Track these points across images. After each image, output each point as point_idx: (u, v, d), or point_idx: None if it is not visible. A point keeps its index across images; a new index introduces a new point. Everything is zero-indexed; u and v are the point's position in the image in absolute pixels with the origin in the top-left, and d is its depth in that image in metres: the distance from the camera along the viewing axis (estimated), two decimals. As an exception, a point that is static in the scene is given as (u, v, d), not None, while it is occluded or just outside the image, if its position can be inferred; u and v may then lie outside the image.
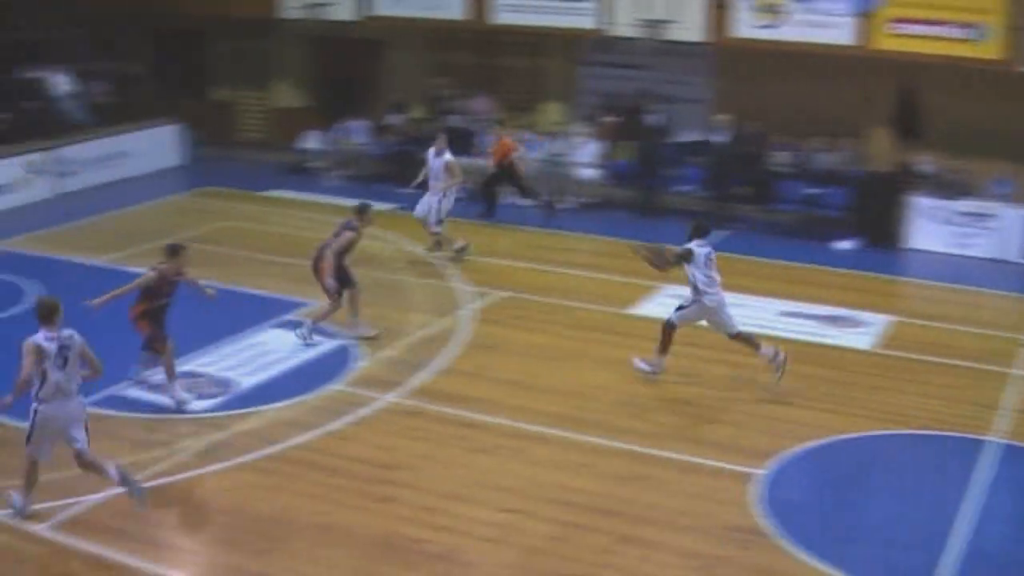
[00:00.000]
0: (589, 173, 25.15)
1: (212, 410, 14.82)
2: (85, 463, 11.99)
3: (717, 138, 24.39)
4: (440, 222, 21.61)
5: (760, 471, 13.33)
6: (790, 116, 23.92)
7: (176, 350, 15.14)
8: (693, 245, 15.56)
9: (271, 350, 16.67)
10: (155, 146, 28.67)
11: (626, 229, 23.05)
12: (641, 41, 24.76)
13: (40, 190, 25.68)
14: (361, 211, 17.47)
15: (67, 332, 11.82)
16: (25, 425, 11.89)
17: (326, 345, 16.93)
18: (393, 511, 12.37)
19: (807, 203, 23.64)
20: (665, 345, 15.88)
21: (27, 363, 11.56)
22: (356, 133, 27.76)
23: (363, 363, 16.33)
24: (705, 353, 16.65)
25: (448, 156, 21.59)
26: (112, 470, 11.87)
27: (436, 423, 14.54)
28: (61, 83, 27.89)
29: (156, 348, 14.92)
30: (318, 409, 14.84)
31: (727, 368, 16.31)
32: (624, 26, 24.80)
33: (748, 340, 15.85)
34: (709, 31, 24.20)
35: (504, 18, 26.01)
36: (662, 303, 18.33)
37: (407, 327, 17.73)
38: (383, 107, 28.16)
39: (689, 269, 15.55)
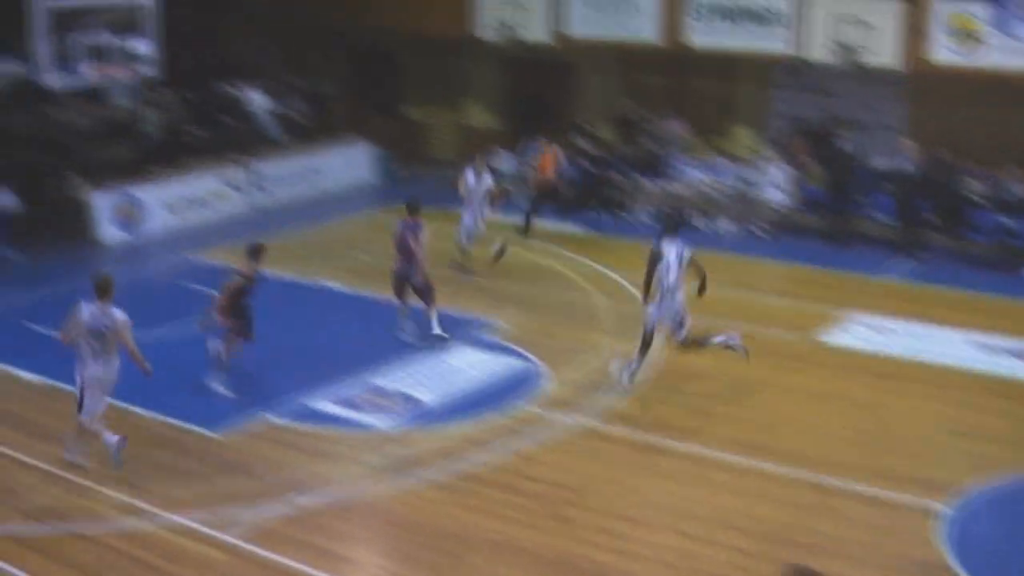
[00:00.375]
0: (778, 198, 25.02)
1: (397, 426, 15.17)
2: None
3: (907, 165, 24.04)
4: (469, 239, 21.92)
5: (945, 506, 13.14)
6: (984, 144, 23.45)
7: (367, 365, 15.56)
8: (663, 245, 15.86)
9: (459, 368, 16.97)
10: (348, 163, 29.38)
11: (815, 255, 22.92)
12: (834, 66, 24.57)
13: (236, 205, 26.59)
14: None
15: (114, 312, 13.53)
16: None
17: (514, 364, 17.17)
18: (572, 532, 12.53)
19: (1001, 233, 23.14)
20: (645, 348, 16.19)
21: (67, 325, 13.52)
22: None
23: (549, 384, 16.52)
24: (889, 384, 16.49)
25: (489, 180, 21.83)
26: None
27: (619, 446, 14.66)
28: (257, 100, 28.79)
29: (242, 335, 16.03)
30: (502, 428, 15.08)
31: (912, 400, 16.12)
32: (817, 50, 24.62)
33: (699, 342, 16.24)
34: (903, 57, 23.89)
35: (697, 40, 26.05)
36: (852, 331, 18.18)
37: (594, 349, 17.87)
38: (573, 128, 28.36)
39: (659, 270, 15.79)
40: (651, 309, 15.94)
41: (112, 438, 13.49)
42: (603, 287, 21.01)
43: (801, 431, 15.14)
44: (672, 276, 15.80)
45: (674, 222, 16.62)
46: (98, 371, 13.54)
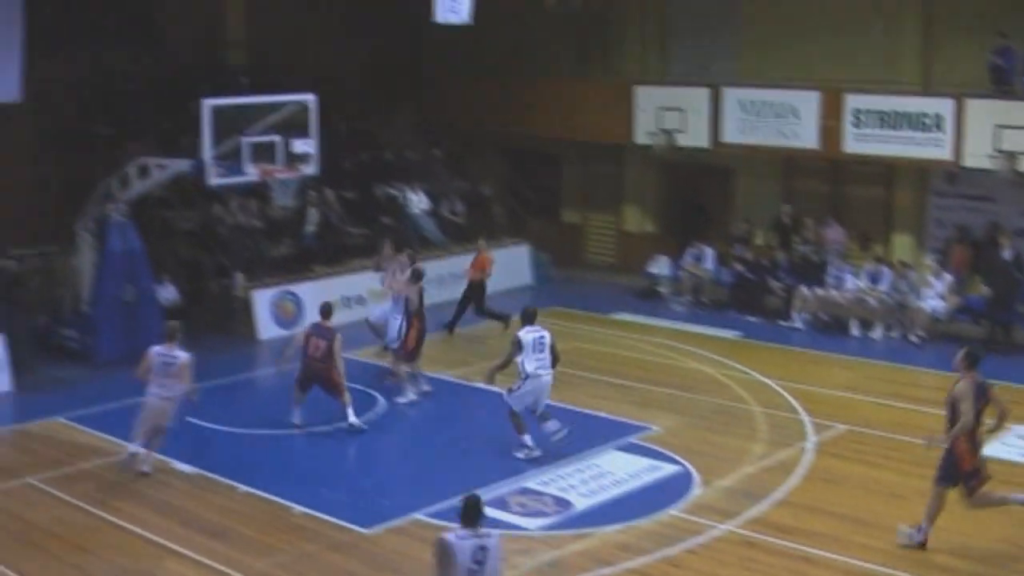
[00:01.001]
0: (936, 306, 24.61)
1: (547, 528, 15.16)
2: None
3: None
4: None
5: None
6: None
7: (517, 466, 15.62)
8: (521, 333, 17.41)
9: (610, 472, 16.91)
10: (506, 265, 29.55)
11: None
12: (995, 173, 24.21)
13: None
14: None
15: (177, 353, 16.53)
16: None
17: (665, 470, 17.08)
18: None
19: None
20: (520, 429, 17.41)
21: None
22: (704, 259, 27.95)
23: (700, 490, 16.40)
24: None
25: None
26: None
27: (771, 555, 14.45)
28: (417, 200, 29.27)
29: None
30: (653, 534, 14.98)
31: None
32: (977, 157, 24.30)
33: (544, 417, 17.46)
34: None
35: (855, 147, 25.92)
36: (1008, 443, 17.75)
37: (746, 456, 17.70)
38: (731, 233, 28.35)
39: (519, 357, 17.14)
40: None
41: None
42: (757, 394, 20.83)
43: (956, 546, 14.74)
44: (532, 361, 17.34)
45: (530, 312, 18.04)
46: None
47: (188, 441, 17.98)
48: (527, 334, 17.46)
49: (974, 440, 14.23)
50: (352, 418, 18.77)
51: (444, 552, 10.21)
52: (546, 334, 17.63)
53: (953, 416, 14.17)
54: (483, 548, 10.32)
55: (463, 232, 29.82)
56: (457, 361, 22.85)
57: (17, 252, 23.88)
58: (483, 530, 10.47)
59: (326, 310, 19.05)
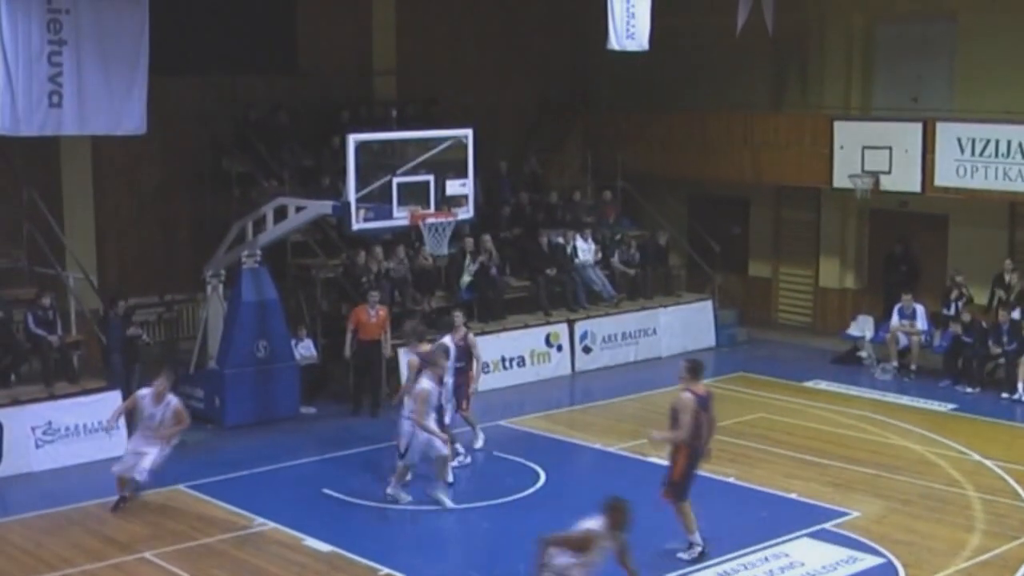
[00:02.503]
0: None
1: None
2: None
3: None
4: None
5: None
6: None
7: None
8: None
9: (801, 563, 16.54)
10: (687, 323, 29.46)
11: None
12: None
13: (558, 365, 26.89)
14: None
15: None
16: None
17: (865, 562, 16.68)
18: None
19: None
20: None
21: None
22: (915, 320, 27.32)
23: (908, 586, 15.98)
24: None
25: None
26: None
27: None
28: (585, 249, 29.21)
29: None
30: (850, 636, 14.62)
31: None
32: None
33: None
34: None
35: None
36: None
37: (960, 549, 17.21)
38: (945, 292, 27.72)
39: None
40: None
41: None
42: (974, 477, 20.30)
43: None
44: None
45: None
46: None
47: (324, 515, 18.04)
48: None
49: (694, 454, 16.27)
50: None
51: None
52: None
53: (673, 427, 16.26)
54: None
55: (637, 285, 29.72)
56: (627, 432, 22.66)
57: (138, 302, 24.27)
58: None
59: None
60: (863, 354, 28.03)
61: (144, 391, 18.57)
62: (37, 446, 20.76)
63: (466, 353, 20.96)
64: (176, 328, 27.15)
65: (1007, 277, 26.93)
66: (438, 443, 18.27)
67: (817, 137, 29.07)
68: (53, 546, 17.32)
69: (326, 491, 19.01)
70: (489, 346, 25.77)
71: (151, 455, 18.23)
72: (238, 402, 22.89)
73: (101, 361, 22.74)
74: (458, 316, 21.73)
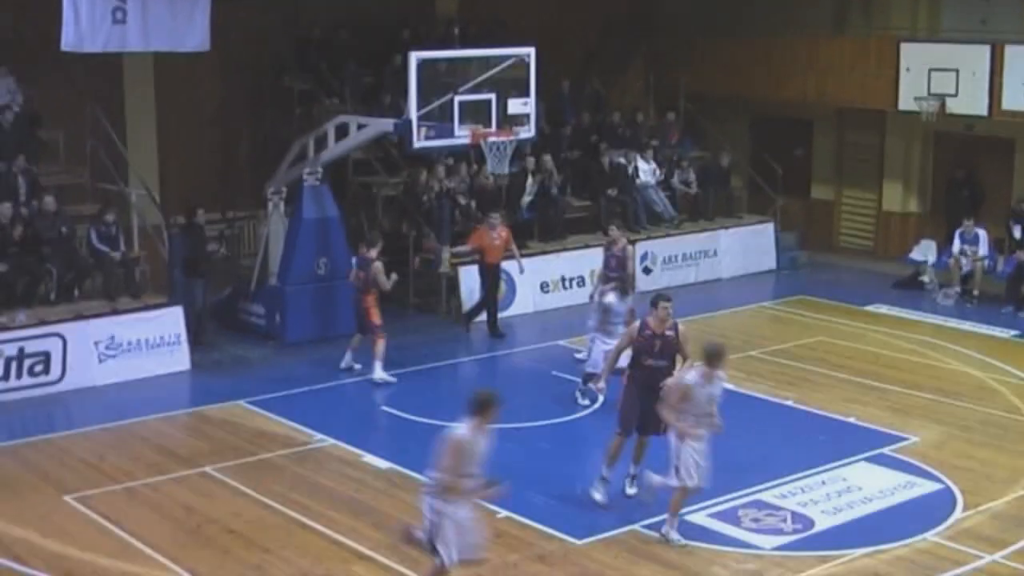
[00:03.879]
0: None
1: (783, 548, 14.92)
2: None
3: None
4: None
5: None
6: None
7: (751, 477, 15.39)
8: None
9: (858, 487, 16.54)
10: (747, 246, 29.39)
11: None
12: None
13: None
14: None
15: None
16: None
17: (923, 488, 16.66)
18: None
19: None
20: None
21: None
22: (978, 244, 27.12)
23: (964, 514, 15.94)
24: None
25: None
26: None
27: (1045, 593, 13.99)
28: (647, 170, 29.13)
29: None
30: (905, 562, 14.60)
31: None
32: None
33: None
34: None
35: None
36: None
37: (1020, 476, 17.15)
38: (1012, 216, 27.49)
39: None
40: None
41: None
42: (1034, 401, 20.29)
43: None
44: None
45: None
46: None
47: (384, 433, 18.18)
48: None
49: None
50: (379, 372, 20.20)
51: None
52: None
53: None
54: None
55: (698, 207, 29.67)
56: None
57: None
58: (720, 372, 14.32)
59: (372, 239, 21.18)
60: (925, 279, 27.90)
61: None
62: (100, 360, 21.00)
63: (621, 264, 21.24)
64: (238, 245, 27.28)
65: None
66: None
67: (882, 59, 28.79)
68: (115, 459, 17.58)
69: (385, 408, 19.14)
70: (549, 266, 25.88)
71: None
72: (299, 319, 23.04)
73: (164, 276, 22.90)
74: (614, 229, 22.26)
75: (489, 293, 24.24)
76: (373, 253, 20.96)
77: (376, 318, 20.79)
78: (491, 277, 24.15)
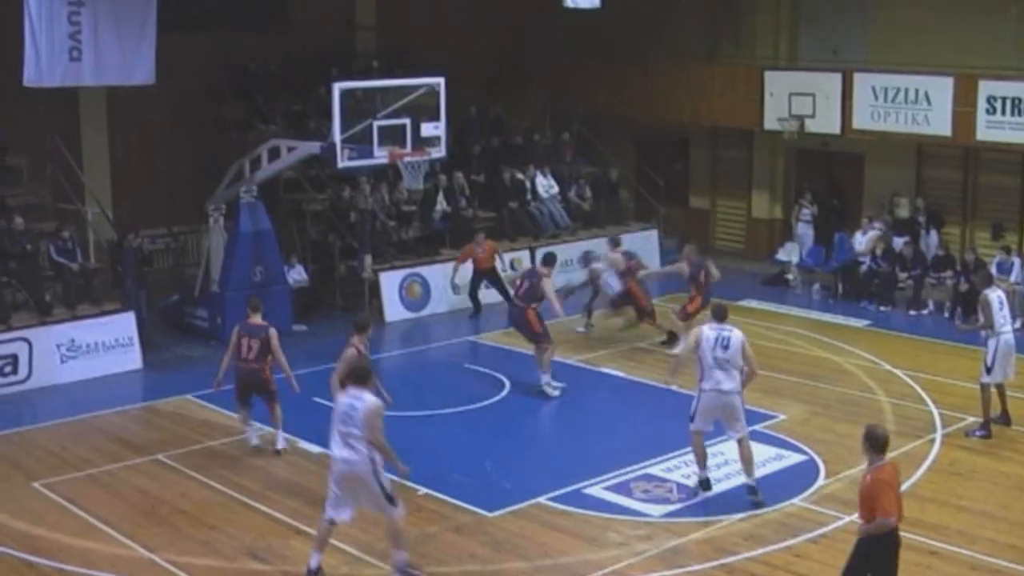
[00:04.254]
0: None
1: (670, 516, 15.11)
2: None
3: None
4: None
5: None
6: None
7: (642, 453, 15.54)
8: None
9: (734, 460, 16.70)
10: (635, 250, 29.10)
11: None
12: None
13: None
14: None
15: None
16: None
17: (790, 459, 16.92)
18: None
19: None
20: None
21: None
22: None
23: (825, 481, 16.21)
24: None
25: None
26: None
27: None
28: (543, 185, 29.25)
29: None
30: (775, 524, 14.85)
31: None
32: None
33: None
34: None
35: (989, 135, 25.27)
36: None
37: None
38: (860, 220, 27.86)
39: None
40: None
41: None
42: (885, 384, 20.54)
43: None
44: None
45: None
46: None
47: (315, 422, 18.15)
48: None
49: None
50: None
51: (696, 337, 15.43)
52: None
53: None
54: (726, 338, 15.33)
55: (591, 216, 29.81)
56: (581, 345, 22.87)
57: (148, 233, 24.29)
58: (727, 325, 15.45)
59: (254, 305, 17.47)
60: (789, 276, 28.25)
61: None
62: (62, 361, 20.92)
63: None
64: (183, 256, 27.16)
65: (914, 211, 27.25)
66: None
67: (749, 84, 29.07)
68: (77, 449, 17.53)
69: (316, 399, 19.10)
70: (459, 271, 25.88)
71: None
72: (237, 321, 22.91)
73: (114, 285, 22.77)
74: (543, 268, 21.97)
75: (472, 288, 25.56)
76: (545, 270, 20.58)
77: (538, 327, 20.01)
78: (481, 277, 25.42)
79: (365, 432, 12.63)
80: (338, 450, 12.86)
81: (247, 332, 17.11)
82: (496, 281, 25.61)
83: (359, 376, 13.05)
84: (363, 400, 12.74)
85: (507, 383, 20.35)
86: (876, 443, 11.48)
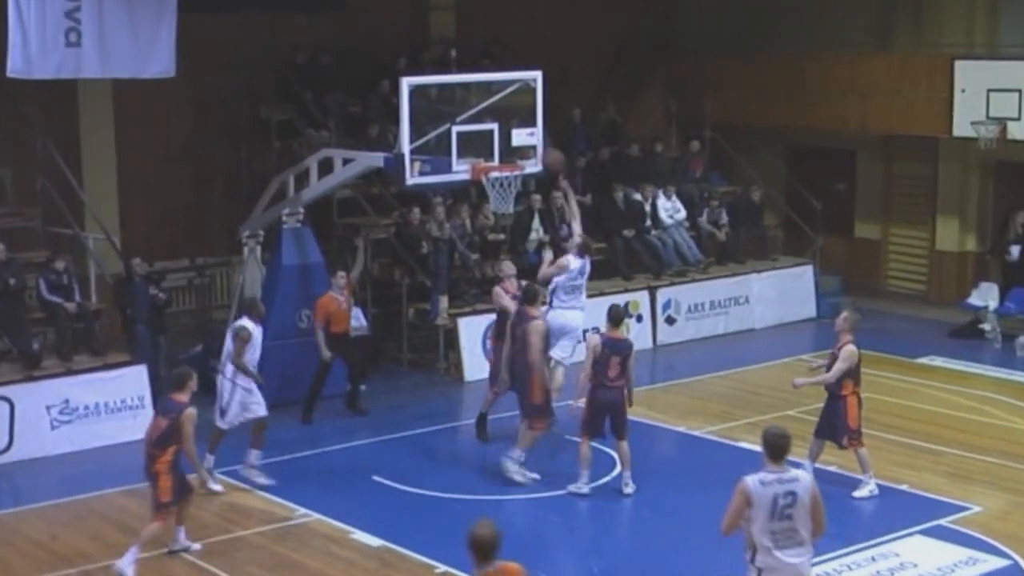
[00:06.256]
0: None
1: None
2: None
3: None
4: None
5: None
6: None
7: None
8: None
9: (913, 563, 16.37)
10: (783, 292, 29.32)
11: None
12: None
13: (638, 338, 26.73)
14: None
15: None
16: None
17: (988, 564, 16.52)
18: None
19: None
20: None
21: None
22: None
23: (1035, 590, 15.84)
24: None
25: None
26: None
27: None
28: (667, 208, 29.08)
29: None
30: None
31: None
32: None
33: None
34: None
35: None
36: None
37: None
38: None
39: None
40: None
41: None
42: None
43: None
44: None
45: None
46: None
47: (374, 506, 18.06)
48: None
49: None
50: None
51: (744, 499, 11.75)
52: None
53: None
54: (791, 494, 11.65)
55: (727, 249, 29.61)
56: (715, 414, 22.66)
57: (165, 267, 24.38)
58: (791, 471, 11.81)
59: (179, 380, 16.69)
60: (986, 327, 27.83)
61: None
62: (52, 427, 20.93)
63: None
64: (208, 295, 27.31)
65: None
66: None
67: (934, 80, 28.83)
68: (70, 538, 17.50)
69: (376, 478, 19.00)
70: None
71: None
72: (278, 378, 22.87)
73: (123, 331, 22.80)
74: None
75: None
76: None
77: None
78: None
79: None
80: None
81: (160, 410, 16.92)
82: None
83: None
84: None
85: (616, 457, 20.08)
86: None
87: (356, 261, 24.20)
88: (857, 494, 18.33)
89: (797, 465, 12.28)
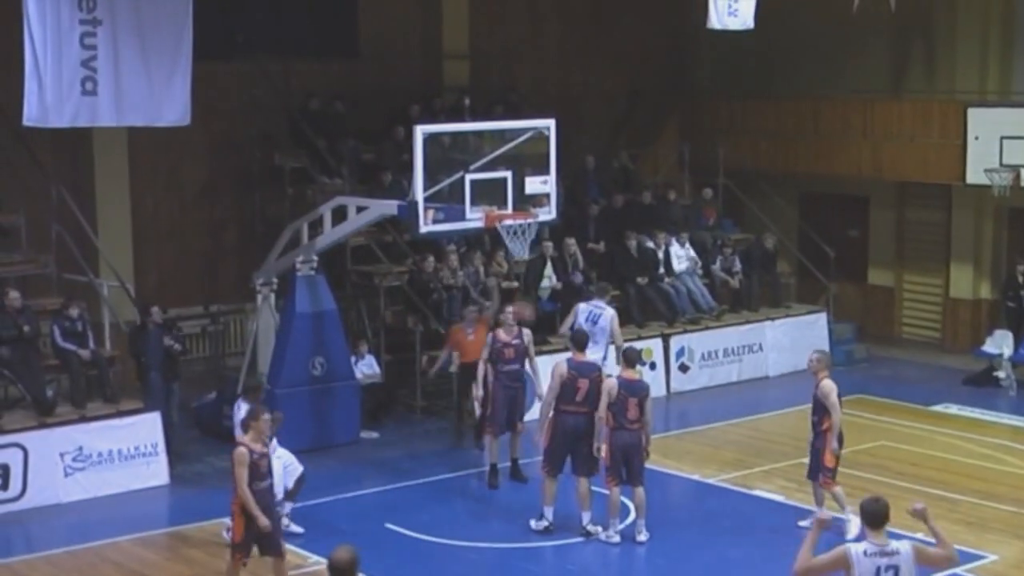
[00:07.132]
0: None
1: None
2: None
3: None
4: None
5: None
6: None
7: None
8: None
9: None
10: (797, 340, 29.17)
11: None
12: None
13: (651, 386, 26.61)
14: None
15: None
16: None
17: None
18: None
19: None
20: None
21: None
22: None
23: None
24: None
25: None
26: None
27: None
28: (680, 255, 29.08)
29: None
30: None
31: None
32: None
33: None
34: None
35: None
36: None
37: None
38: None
39: None
40: None
41: None
42: None
43: None
44: None
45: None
46: None
47: (388, 554, 18.02)
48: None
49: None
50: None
51: (842, 563, 11.49)
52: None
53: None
54: (892, 567, 11.66)
55: (740, 296, 29.57)
56: (728, 462, 22.57)
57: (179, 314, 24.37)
58: (892, 544, 11.68)
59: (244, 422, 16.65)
60: (1000, 374, 27.77)
61: None
62: (66, 474, 20.87)
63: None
64: (222, 342, 27.29)
65: None
66: None
67: (947, 127, 28.87)
68: (83, 588, 17.44)
69: (390, 526, 18.96)
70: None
71: None
72: (291, 425, 22.85)
73: (136, 379, 22.82)
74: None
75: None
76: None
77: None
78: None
79: None
80: None
81: None
82: None
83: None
84: None
85: (632, 508, 20.02)
86: None
87: (492, 300, 24.69)
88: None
89: (896, 536, 12.08)
